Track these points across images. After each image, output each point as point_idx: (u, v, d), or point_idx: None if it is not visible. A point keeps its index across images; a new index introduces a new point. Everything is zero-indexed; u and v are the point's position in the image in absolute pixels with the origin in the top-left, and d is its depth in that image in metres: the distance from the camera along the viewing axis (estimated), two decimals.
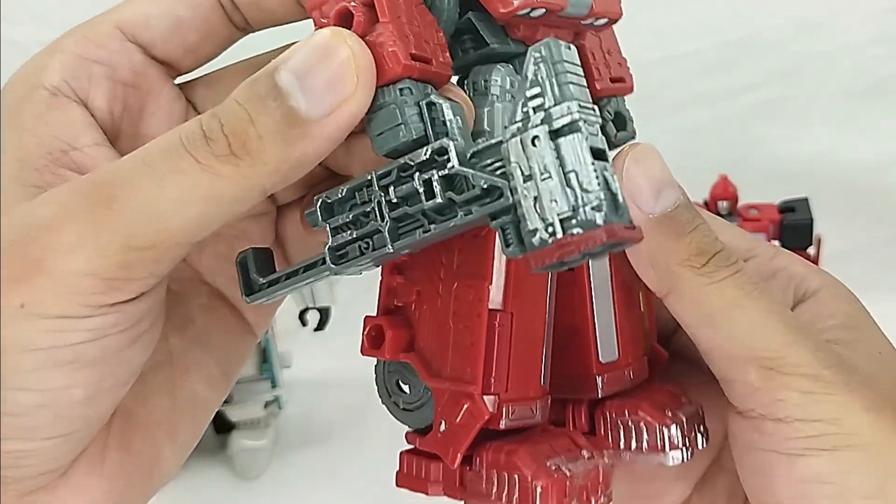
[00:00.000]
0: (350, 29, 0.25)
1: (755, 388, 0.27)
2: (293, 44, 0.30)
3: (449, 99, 0.26)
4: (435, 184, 0.25)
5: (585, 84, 0.23)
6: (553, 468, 0.26)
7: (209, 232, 0.26)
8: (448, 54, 0.27)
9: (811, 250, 0.72)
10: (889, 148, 0.95)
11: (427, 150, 0.25)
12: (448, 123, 0.25)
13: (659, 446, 0.29)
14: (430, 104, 0.26)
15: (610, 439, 0.30)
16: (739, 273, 0.29)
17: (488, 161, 0.24)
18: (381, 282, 0.29)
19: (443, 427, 0.27)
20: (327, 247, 0.27)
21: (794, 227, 0.72)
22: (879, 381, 0.29)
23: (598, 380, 0.29)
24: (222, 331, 0.33)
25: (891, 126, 0.96)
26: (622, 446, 0.29)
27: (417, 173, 0.25)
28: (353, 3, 0.25)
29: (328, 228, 0.27)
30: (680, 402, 0.30)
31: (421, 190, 0.25)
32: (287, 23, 0.31)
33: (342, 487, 0.69)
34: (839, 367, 0.28)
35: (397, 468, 0.29)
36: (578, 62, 0.23)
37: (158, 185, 0.25)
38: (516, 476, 0.26)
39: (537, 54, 0.23)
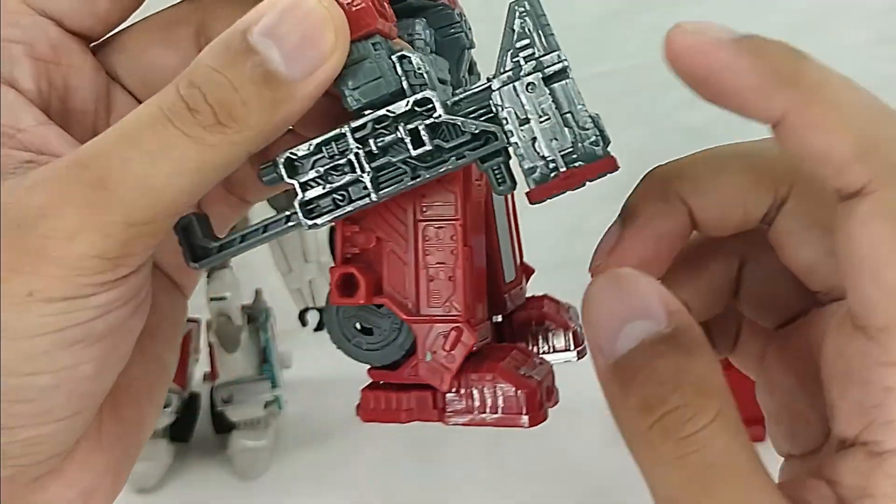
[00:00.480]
0: None
1: None
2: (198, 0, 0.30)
3: (412, 51, 0.27)
4: (422, 132, 0.27)
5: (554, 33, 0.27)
6: (525, 376, 0.29)
7: (199, 198, 0.26)
8: (391, 9, 0.28)
9: None
10: None
11: (408, 101, 0.27)
12: (426, 75, 0.27)
13: (565, 346, 0.33)
14: (403, 57, 0.27)
15: (528, 346, 0.33)
16: (694, 454, 0.23)
17: (471, 108, 0.27)
18: (336, 233, 0.30)
19: (428, 357, 0.29)
20: (297, 202, 0.28)
21: None
22: None
23: (506, 298, 0.33)
24: (164, 294, 0.33)
25: None
26: (537, 350, 0.33)
27: (402, 124, 0.27)
28: None
29: (297, 184, 0.28)
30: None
31: (408, 139, 0.27)
32: None
33: (342, 487, 0.69)
34: None
35: (359, 404, 0.30)
36: (546, 13, 0.26)
37: (150, 161, 0.25)
38: (500, 388, 0.29)
39: (521, 9, 0.26)
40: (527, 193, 0.27)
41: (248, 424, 0.71)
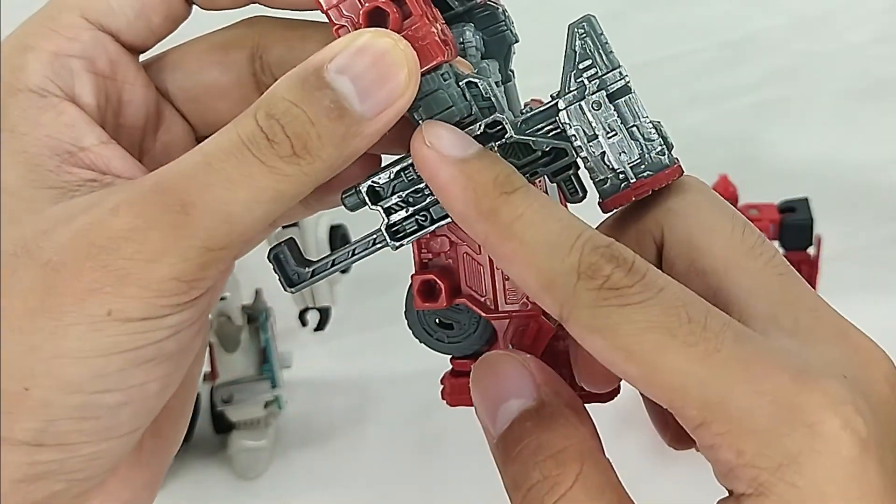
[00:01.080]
0: (384, 27, 0.27)
1: None
2: (253, 18, 0.31)
3: (477, 75, 0.29)
4: (496, 153, 0.28)
5: (613, 49, 0.28)
6: None
7: (269, 223, 0.28)
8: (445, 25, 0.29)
9: (811, 250, 0.72)
10: (889, 148, 0.95)
11: (480, 125, 0.28)
12: (493, 99, 0.28)
13: None
14: (470, 83, 0.28)
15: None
16: None
17: (538, 126, 0.28)
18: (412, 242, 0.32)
19: (510, 349, 0.31)
20: (384, 226, 0.30)
21: (794, 227, 0.72)
22: None
23: None
24: None
25: (891, 126, 0.96)
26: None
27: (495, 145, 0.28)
28: (380, 2, 0.27)
29: (381, 210, 0.30)
30: None
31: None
32: (232, 8, 0.31)
33: (342, 487, 0.69)
34: None
35: (444, 390, 0.33)
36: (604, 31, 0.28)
37: (230, 188, 0.26)
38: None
39: (581, 30, 0.28)
40: (599, 203, 0.29)
41: (248, 424, 0.71)
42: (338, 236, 0.73)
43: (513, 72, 0.33)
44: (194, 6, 0.31)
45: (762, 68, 1.02)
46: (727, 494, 0.24)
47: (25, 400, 0.26)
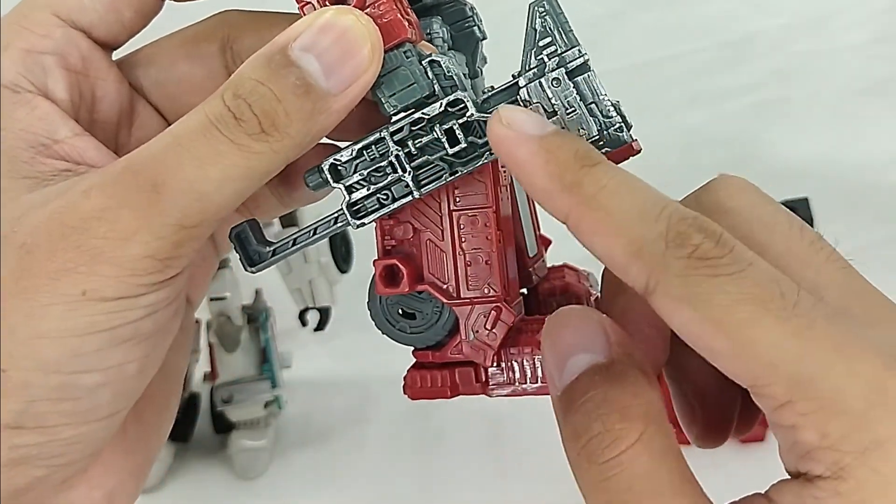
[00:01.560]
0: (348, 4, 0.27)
1: None
2: (223, 12, 0.31)
3: (440, 54, 0.29)
4: (457, 131, 0.28)
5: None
6: None
7: (241, 202, 0.28)
8: (412, 11, 0.29)
9: None
10: (889, 148, 0.95)
11: (442, 103, 0.28)
12: (455, 77, 0.29)
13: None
14: (432, 62, 0.29)
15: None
16: (614, 477, 0.24)
17: (499, 103, 0.28)
18: (375, 227, 0.32)
19: (471, 337, 0.31)
20: (344, 204, 0.30)
21: None
22: None
23: (531, 271, 0.35)
24: None
25: (891, 126, 0.96)
26: None
27: (437, 125, 0.29)
28: None
29: (342, 187, 0.30)
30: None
31: (444, 139, 0.29)
32: None
33: (342, 487, 0.69)
34: None
35: (406, 384, 0.33)
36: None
37: (200, 167, 0.26)
38: (539, 359, 0.31)
39: (541, 9, 0.28)
40: None
41: (247, 424, 0.71)
42: (337, 236, 0.73)
43: (481, 69, 0.33)
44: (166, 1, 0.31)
45: (762, 68, 1.02)
46: (788, 477, 0.24)
47: (4, 382, 0.26)
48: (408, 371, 0.33)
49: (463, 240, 0.31)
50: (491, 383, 0.32)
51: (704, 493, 0.25)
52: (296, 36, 0.27)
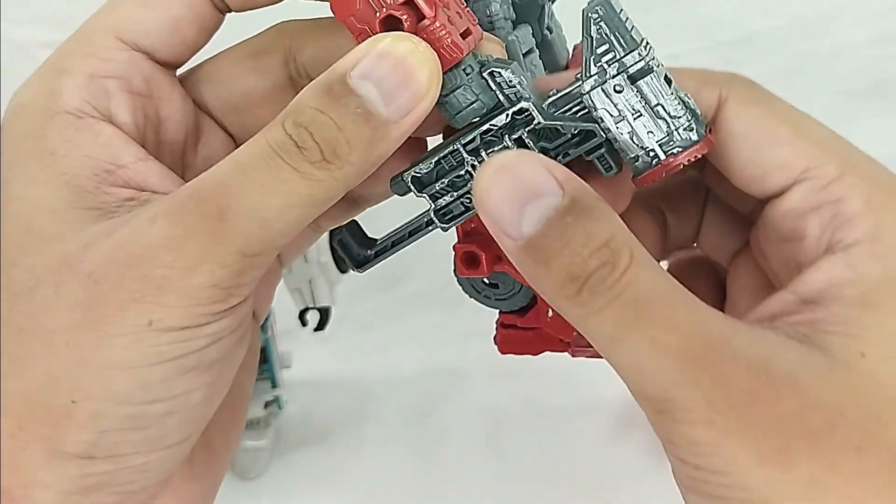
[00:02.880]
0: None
1: (655, 425, 0.26)
2: (282, 23, 0.32)
3: (501, 61, 0.29)
4: (526, 140, 0.29)
5: (634, 24, 0.28)
6: None
7: (301, 229, 0.28)
8: (469, 9, 0.30)
9: None
10: (889, 148, 0.95)
11: (507, 114, 0.29)
12: (518, 85, 0.29)
13: None
14: (492, 73, 0.29)
15: None
16: (621, 296, 0.25)
17: (565, 108, 0.29)
18: None
19: (550, 314, 0.34)
20: (432, 210, 0.31)
21: None
22: (828, 405, 0.24)
23: None
24: None
25: (891, 126, 0.96)
26: None
27: (507, 135, 0.29)
28: (393, 9, 0.27)
29: (427, 196, 0.31)
30: None
31: (514, 148, 0.29)
32: (269, 5, 0.31)
33: (342, 487, 0.69)
34: (739, 408, 0.24)
35: (496, 339, 0.36)
36: (623, 9, 0.28)
37: (264, 194, 0.26)
38: None
39: (595, 15, 0.28)
40: (633, 179, 0.29)
41: (248, 424, 0.71)
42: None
43: (551, 29, 0.33)
44: (227, 14, 0.32)
45: (762, 68, 1.02)
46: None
47: (74, 412, 0.26)
48: (497, 328, 0.36)
49: None
50: (573, 345, 0.34)
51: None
52: (354, 63, 0.27)
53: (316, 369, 0.79)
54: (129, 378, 0.26)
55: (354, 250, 0.32)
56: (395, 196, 0.33)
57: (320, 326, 0.77)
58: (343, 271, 0.33)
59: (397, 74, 0.27)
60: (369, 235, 0.34)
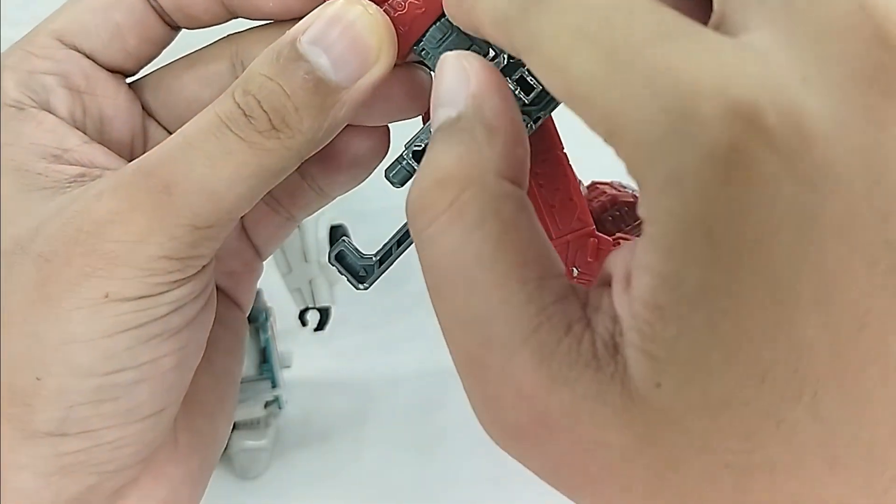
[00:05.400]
0: None
1: None
2: (231, 35, 0.31)
3: None
4: (528, 78, 0.28)
5: None
6: None
7: (256, 201, 0.27)
8: None
9: None
10: None
11: (504, 56, 0.28)
12: None
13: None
14: None
15: (615, 230, 0.35)
16: (422, 258, 0.22)
17: None
18: None
19: (576, 272, 0.32)
20: None
21: None
22: (611, 448, 0.20)
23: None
24: (224, 310, 0.34)
25: None
26: (624, 227, 0.36)
27: (508, 79, 0.27)
28: None
29: None
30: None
31: (517, 90, 0.28)
32: (214, 24, 0.31)
33: (342, 487, 0.69)
34: (512, 446, 0.22)
35: None
36: None
37: (211, 166, 0.26)
38: None
39: None
40: None
41: (248, 424, 0.71)
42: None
43: None
44: (183, 29, 0.32)
45: None
46: None
47: (40, 390, 0.26)
48: None
49: (541, 185, 0.31)
50: None
51: (541, 266, 0.21)
52: (304, 29, 0.26)
53: (316, 369, 0.79)
54: (90, 350, 0.26)
55: (356, 263, 0.30)
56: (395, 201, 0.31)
57: (320, 326, 0.77)
58: (357, 287, 0.30)
59: (347, 39, 0.26)
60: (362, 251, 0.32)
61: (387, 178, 0.30)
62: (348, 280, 0.30)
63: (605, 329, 0.20)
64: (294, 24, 0.29)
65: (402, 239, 0.30)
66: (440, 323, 0.23)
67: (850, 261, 0.18)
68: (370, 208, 0.65)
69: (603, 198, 0.36)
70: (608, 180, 0.37)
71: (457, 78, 0.23)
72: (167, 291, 0.27)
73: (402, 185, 0.29)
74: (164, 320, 0.27)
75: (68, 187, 0.28)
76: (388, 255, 0.30)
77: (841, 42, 0.18)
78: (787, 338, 0.18)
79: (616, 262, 0.21)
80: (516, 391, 0.21)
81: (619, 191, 0.37)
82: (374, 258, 0.30)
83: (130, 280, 0.26)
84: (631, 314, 0.19)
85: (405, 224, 0.30)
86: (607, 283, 0.21)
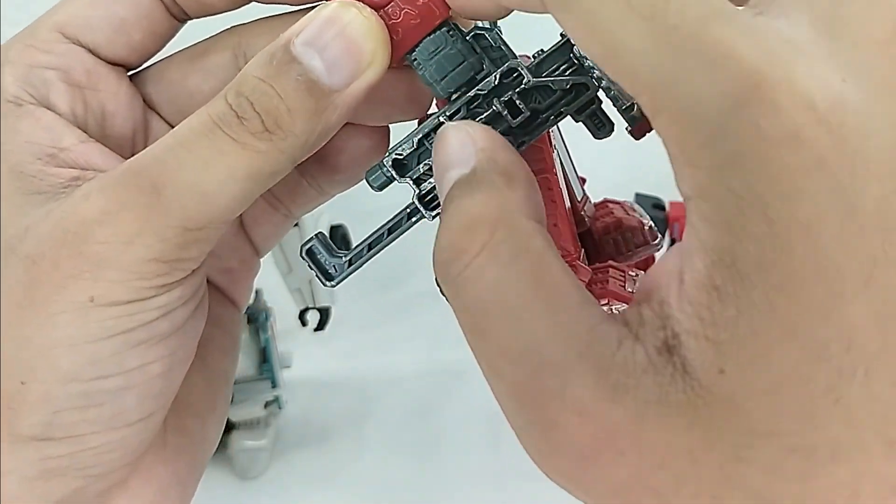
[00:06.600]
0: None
1: None
2: (235, 26, 0.31)
3: (483, 27, 0.28)
4: (517, 101, 0.27)
5: None
6: (631, 293, 0.30)
7: (249, 204, 0.27)
8: None
9: None
10: None
11: (495, 76, 0.27)
12: (503, 47, 0.28)
13: (645, 241, 0.34)
14: (477, 35, 0.28)
15: (614, 253, 0.34)
16: (458, 296, 0.23)
17: (553, 66, 0.28)
18: None
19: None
20: (416, 196, 0.28)
21: None
22: (679, 454, 0.20)
23: (583, 215, 0.34)
24: (219, 308, 0.34)
25: None
26: (626, 251, 0.34)
27: (496, 98, 0.27)
28: None
29: (410, 181, 0.28)
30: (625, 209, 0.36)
31: (505, 112, 0.27)
32: (224, 11, 0.31)
33: (342, 487, 0.69)
34: (572, 480, 0.21)
35: None
36: None
37: (203, 167, 0.26)
38: (616, 308, 0.30)
39: None
40: (628, 131, 0.28)
41: (248, 424, 0.71)
42: (338, 236, 0.73)
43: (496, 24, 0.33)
44: (188, 22, 0.31)
45: None
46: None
47: (25, 394, 0.26)
48: None
49: None
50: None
51: (577, 293, 0.22)
52: (299, 31, 0.26)
53: (316, 369, 0.79)
54: (75, 355, 0.26)
55: (326, 260, 0.30)
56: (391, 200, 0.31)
57: (320, 326, 0.78)
58: (324, 284, 0.30)
59: (341, 41, 0.26)
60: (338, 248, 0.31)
61: (366, 180, 0.29)
62: (317, 276, 0.30)
63: (655, 337, 0.20)
64: (301, 15, 0.29)
65: (373, 243, 0.30)
66: (483, 364, 0.23)
67: (890, 244, 0.19)
68: (370, 208, 0.65)
69: (608, 219, 0.35)
70: (620, 200, 0.36)
71: (461, 140, 0.25)
72: (155, 296, 0.26)
73: (381, 189, 0.29)
74: (152, 326, 0.26)
75: (63, 191, 0.28)
76: (358, 256, 0.30)
77: (877, 50, 0.20)
78: (839, 315, 0.18)
79: (658, 272, 0.21)
80: (578, 410, 0.21)
81: (628, 214, 0.35)
82: (343, 258, 0.30)
83: (117, 283, 0.26)
84: (689, 303, 0.20)
85: (379, 228, 0.29)
86: (645, 300, 0.21)
